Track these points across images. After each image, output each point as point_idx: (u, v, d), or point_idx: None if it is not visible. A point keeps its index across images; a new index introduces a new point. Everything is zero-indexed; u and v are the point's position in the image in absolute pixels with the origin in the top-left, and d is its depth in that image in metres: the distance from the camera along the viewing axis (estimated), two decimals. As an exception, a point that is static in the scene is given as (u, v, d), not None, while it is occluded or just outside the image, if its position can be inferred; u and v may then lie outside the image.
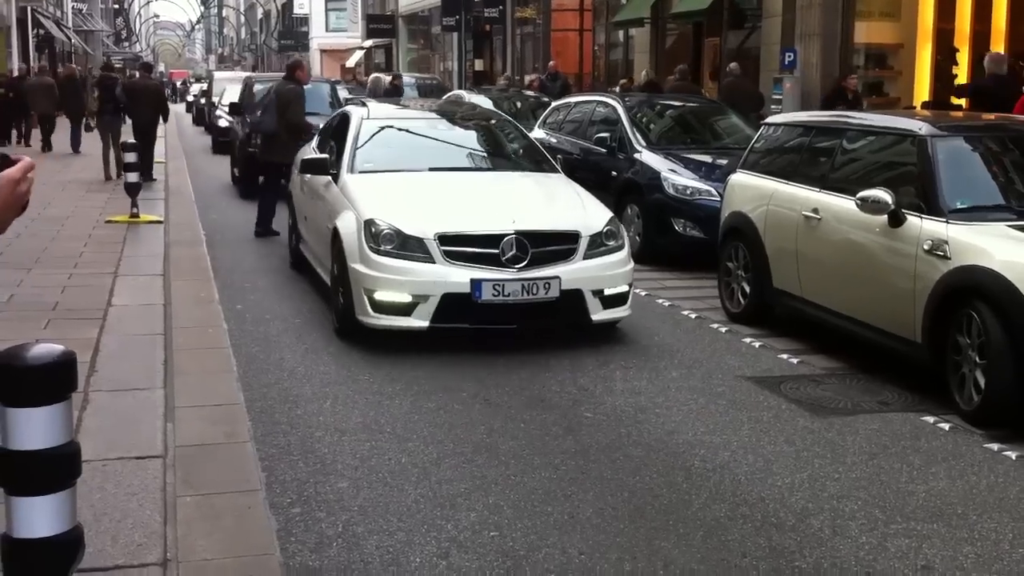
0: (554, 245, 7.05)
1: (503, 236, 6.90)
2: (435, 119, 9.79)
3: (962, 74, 15.84)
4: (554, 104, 14.10)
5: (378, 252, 6.95)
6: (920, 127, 6.75)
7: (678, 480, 4.85)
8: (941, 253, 6.01)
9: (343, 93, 18.51)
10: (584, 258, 7.11)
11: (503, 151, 9.36)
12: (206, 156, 22.53)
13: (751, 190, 8.16)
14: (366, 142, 8.55)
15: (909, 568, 4.03)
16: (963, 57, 15.79)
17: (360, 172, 8.17)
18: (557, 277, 6.91)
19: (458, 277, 6.80)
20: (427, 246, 6.90)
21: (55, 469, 2.77)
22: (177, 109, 37.52)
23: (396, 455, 5.15)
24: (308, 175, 8.91)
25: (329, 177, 8.34)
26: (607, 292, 7.15)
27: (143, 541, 4.00)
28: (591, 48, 27.64)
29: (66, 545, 2.83)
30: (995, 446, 5.37)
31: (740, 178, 8.38)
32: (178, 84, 65.33)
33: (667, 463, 5.07)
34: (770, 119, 8.77)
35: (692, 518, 4.42)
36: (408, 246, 6.93)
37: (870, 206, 6.43)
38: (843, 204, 6.88)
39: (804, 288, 7.36)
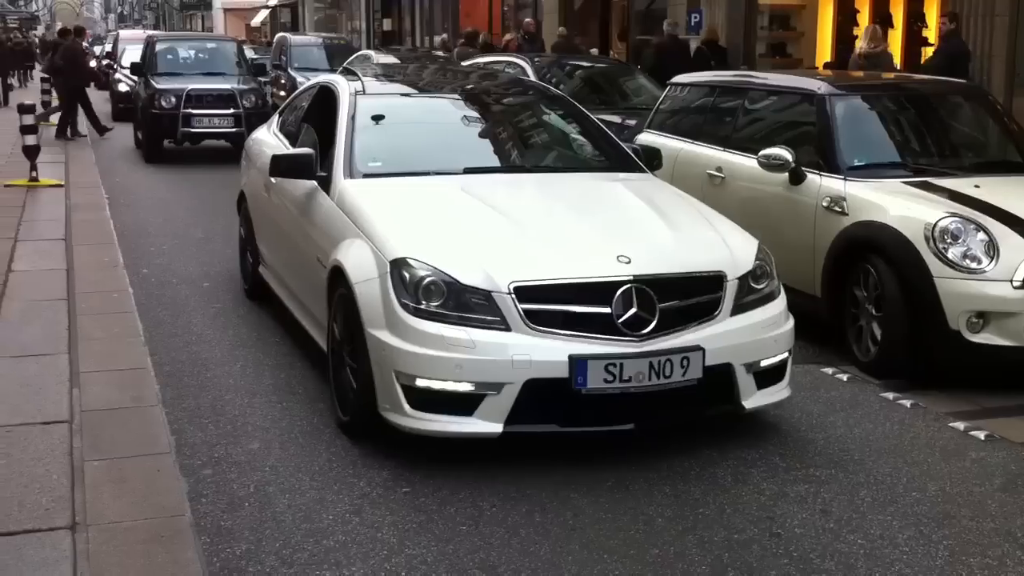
0: (690, 297, 4.63)
1: (616, 285, 4.47)
2: (456, 96, 6.82)
3: (863, 36, 16.17)
4: (464, 63, 14.05)
5: (418, 313, 4.43)
6: (819, 87, 6.92)
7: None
8: (839, 209, 6.19)
9: (249, 53, 18.14)
10: (732, 313, 4.71)
11: (565, 142, 6.61)
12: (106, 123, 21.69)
13: (658, 149, 8.25)
14: (367, 131, 5.89)
15: (808, 512, 4.19)
16: (863, 19, 16.14)
17: (365, 176, 5.54)
18: (699, 348, 4.48)
19: (549, 353, 4.33)
20: (498, 304, 4.40)
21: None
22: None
23: (308, 416, 5.16)
24: (281, 179, 6.11)
25: (314, 183, 5.68)
26: (764, 364, 4.79)
27: (51, 506, 3.97)
28: (500, 8, 27.53)
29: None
30: (890, 395, 5.58)
31: (647, 138, 8.48)
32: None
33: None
34: (676, 79, 8.88)
35: (598, 470, 4.52)
36: (466, 304, 4.43)
37: (771, 164, 6.59)
38: (746, 163, 7.03)
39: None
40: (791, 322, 4.96)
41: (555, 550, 3.83)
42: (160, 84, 15.40)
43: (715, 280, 4.70)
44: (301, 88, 7.79)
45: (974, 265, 5.53)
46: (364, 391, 4.64)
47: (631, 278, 4.48)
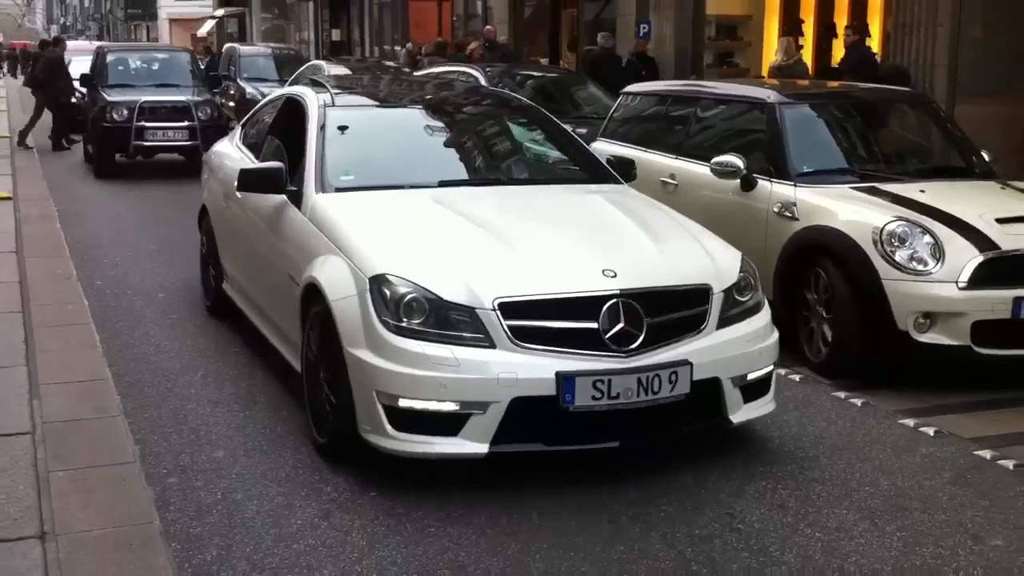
0: (677, 310, 4.57)
1: (603, 300, 4.39)
2: (427, 107, 6.77)
3: (808, 45, 16.48)
4: (417, 74, 14.12)
5: (400, 331, 4.31)
6: (768, 95, 7.08)
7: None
8: (789, 214, 6.34)
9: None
10: (718, 326, 4.65)
11: (539, 153, 6.55)
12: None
13: (611, 157, 8.39)
14: (337, 144, 5.75)
15: (766, 507, 4.31)
16: (808, 28, 16.44)
17: (337, 190, 5.40)
18: (687, 363, 4.41)
19: (536, 371, 4.24)
20: (482, 320, 4.29)
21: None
22: (17, 83, 35.86)
23: (271, 424, 5.19)
24: (248, 193, 5.92)
25: (284, 198, 5.54)
26: (750, 377, 4.75)
27: (19, 516, 3.98)
28: (450, 18, 27.64)
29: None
30: (842, 394, 5.73)
31: (600, 146, 8.60)
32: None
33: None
34: (628, 88, 9.02)
35: (562, 473, 4.59)
36: (449, 321, 4.32)
37: (723, 171, 6.73)
38: (698, 170, 7.17)
39: (663, 251, 7.63)
40: (775, 335, 4.91)
41: (523, 549, 3.91)
42: (112, 96, 14.85)
43: (701, 293, 4.64)
44: (265, 99, 7.56)
45: (921, 267, 5.70)
46: (343, 412, 4.49)
47: (617, 292, 4.40)
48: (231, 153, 7.13)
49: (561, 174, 6.28)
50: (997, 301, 5.63)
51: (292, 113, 6.29)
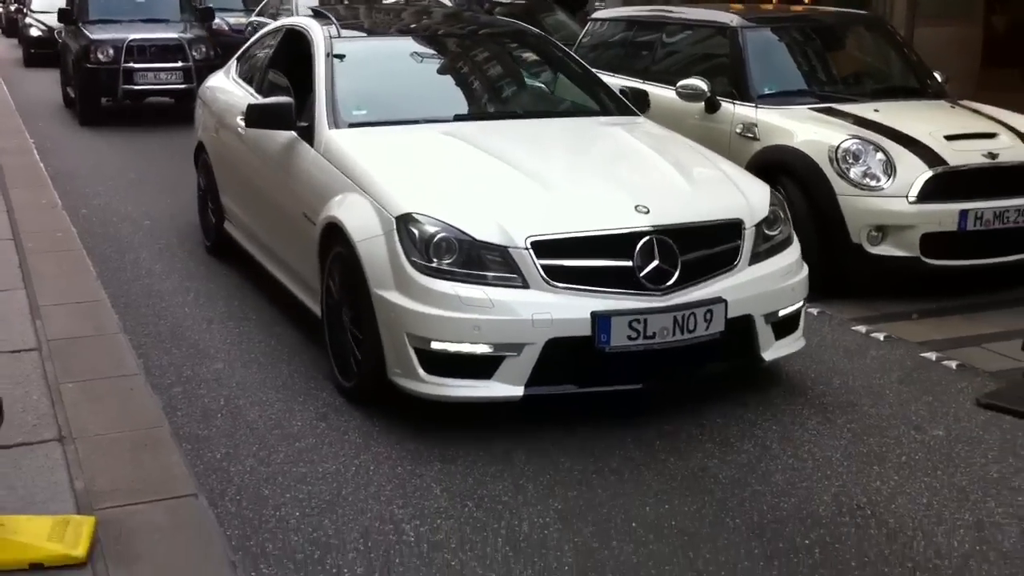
0: (709, 247, 4.47)
1: (637, 237, 4.28)
2: (435, 38, 6.55)
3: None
4: (386, 0, 14.20)
5: (430, 272, 4.19)
6: (731, 19, 7.36)
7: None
8: (751, 135, 6.67)
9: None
10: (750, 262, 4.55)
11: (553, 85, 6.41)
12: (18, 70, 20.55)
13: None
14: (347, 78, 5.56)
15: (728, 405, 4.67)
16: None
17: (351, 126, 5.26)
18: (722, 300, 4.33)
19: (571, 311, 4.14)
20: (515, 260, 4.18)
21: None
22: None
23: (266, 338, 5.50)
24: (252, 129, 5.77)
25: (294, 134, 5.39)
26: (781, 314, 4.66)
27: (36, 422, 4.27)
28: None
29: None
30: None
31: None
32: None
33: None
34: (596, 14, 9.25)
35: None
36: (480, 261, 4.21)
37: (688, 94, 7.02)
38: (665, 93, 7.44)
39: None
40: (805, 269, 4.84)
41: (508, 447, 4.23)
42: (95, 34, 13.27)
43: (733, 228, 4.54)
44: (263, 31, 7.35)
45: (873, 183, 6.04)
46: (371, 356, 4.40)
47: (651, 229, 4.29)
48: (229, 87, 7.00)
49: (577, 106, 6.10)
50: (944, 214, 5.99)
51: (294, 45, 6.17)
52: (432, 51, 6.33)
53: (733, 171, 5.13)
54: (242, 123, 5.95)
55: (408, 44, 6.37)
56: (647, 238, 4.28)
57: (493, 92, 6.21)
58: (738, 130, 6.76)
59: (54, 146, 11.65)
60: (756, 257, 4.58)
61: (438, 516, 3.69)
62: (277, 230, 5.69)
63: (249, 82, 6.69)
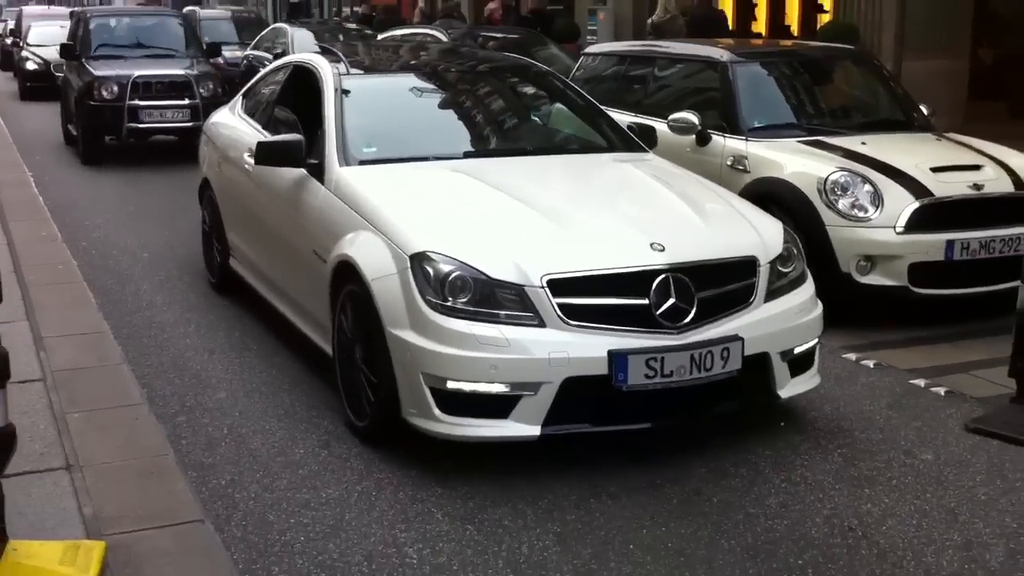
0: (725, 284, 4.46)
1: (653, 275, 4.27)
2: (443, 75, 6.54)
3: (762, 4, 16.93)
4: (380, 37, 14.41)
5: (446, 311, 4.18)
6: (721, 54, 7.52)
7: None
8: (742, 167, 6.81)
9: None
10: (765, 299, 4.55)
11: (561, 121, 6.38)
12: (14, 104, 20.57)
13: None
14: (356, 115, 5.56)
15: (725, 430, 4.77)
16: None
17: (362, 163, 5.29)
18: (738, 338, 4.32)
19: (588, 349, 4.13)
20: (531, 298, 4.17)
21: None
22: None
23: (267, 368, 5.59)
24: (260, 166, 5.72)
25: (303, 172, 5.38)
26: (797, 351, 4.64)
27: (44, 451, 4.35)
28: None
29: (4, 438, 3.26)
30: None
31: (563, 105, 9.02)
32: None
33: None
34: (589, 49, 9.42)
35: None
36: (496, 299, 4.19)
37: (679, 127, 7.17)
38: (656, 126, 7.57)
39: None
40: (820, 307, 4.81)
41: (507, 472, 4.32)
42: (99, 70, 12.71)
43: (748, 265, 4.53)
44: (268, 68, 7.47)
45: (861, 214, 6.17)
46: (385, 395, 4.38)
47: (667, 267, 4.29)
48: (235, 124, 6.99)
49: (586, 142, 6.09)
50: (931, 244, 6.13)
51: (302, 82, 6.19)
52: (440, 88, 6.35)
53: (746, 208, 5.14)
54: (250, 160, 5.98)
55: (416, 81, 6.40)
56: (663, 276, 4.27)
57: (501, 128, 6.18)
58: (729, 162, 6.90)
59: (53, 180, 11.74)
60: (771, 294, 4.57)
61: (440, 539, 3.78)
62: (286, 267, 5.68)
63: (256, 118, 6.71)
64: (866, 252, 6.15)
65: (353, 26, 18.82)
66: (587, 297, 4.22)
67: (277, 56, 15.48)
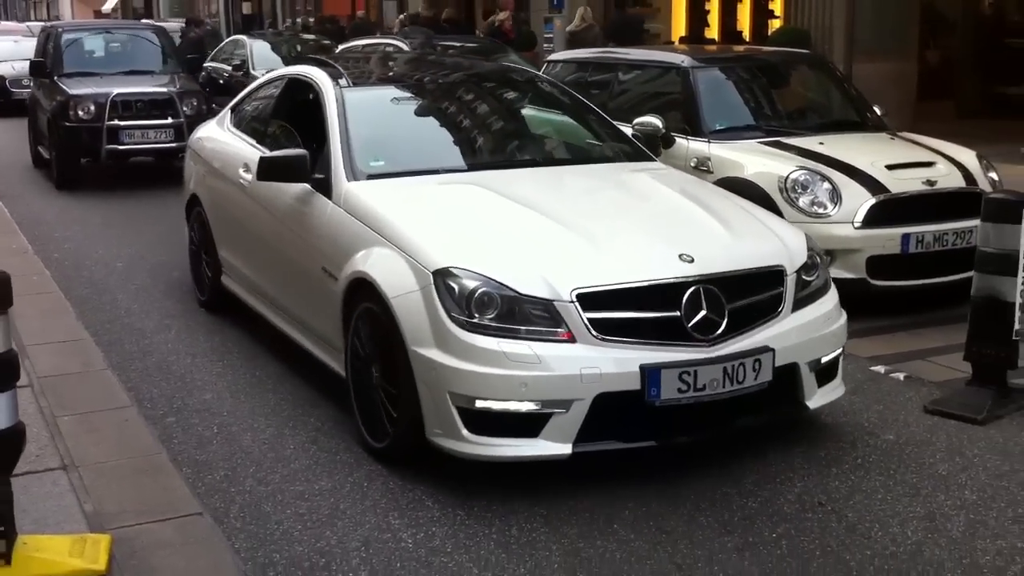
0: (754, 294, 4.38)
1: (684, 286, 4.19)
2: (446, 85, 6.31)
3: (714, 10, 17.27)
4: (341, 47, 14.54)
5: (473, 328, 4.06)
6: (682, 60, 7.77)
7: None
8: (705, 168, 7.04)
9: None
10: (793, 309, 4.48)
11: (568, 131, 6.20)
12: None
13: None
14: (361, 128, 5.38)
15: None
16: (714, -6, 17.19)
17: (371, 177, 5.13)
18: (769, 349, 4.25)
19: (619, 365, 4.04)
20: (560, 313, 4.07)
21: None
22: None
23: (249, 370, 5.72)
24: (258, 182, 5.61)
25: (307, 186, 5.23)
26: (824, 361, 4.60)
27: (40, 452, 4.46)
28: (363, -9, 27.85)
29: (15, 435, 3.39)
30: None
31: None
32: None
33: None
34: (552, 56, 9.64)
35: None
36: (524, 315, 4.08)
37: (644, 131, 7.37)
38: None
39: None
40: (844, 316, 4.78)
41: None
42: (74, 88, 11.86)
43: (776, 275, 4.46)
44: (260, 80, 7.25)
45: (821, 211, 6.43)
46: (407, 415, 4.25)
47: (698, 278, 4.20)
48: (225, 139, 6.78)
49: (595, 152, 5.95)
50: (888, 238, 6.39)
51: (299, 95, 6.08)
52: (444, 99, 6.17)
53: (766, 216, 5.08)
54: (246, 175, 5.94)
55: (418, 92, 6.17)
56: (694, 287, 4.18)
57: (509, 139, 5.99)
58: (692, 164, 7.13)
59: (21, 195, 11.68)
60: (798, 303, 4.51)
61: (432, 524, 3.95)
62: (290, 285, 5.50)
63: (249, 133, 6.53)
64: (826, 247, 6.27)
65: (311, 37, 18.90)
66: (617, 311, 4.11)
67: (236, 68, 15.65)
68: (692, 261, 4.28)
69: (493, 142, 5.91)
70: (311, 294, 5.13)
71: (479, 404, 4.02)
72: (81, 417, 4.89)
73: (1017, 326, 4.97)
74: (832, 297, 4.75)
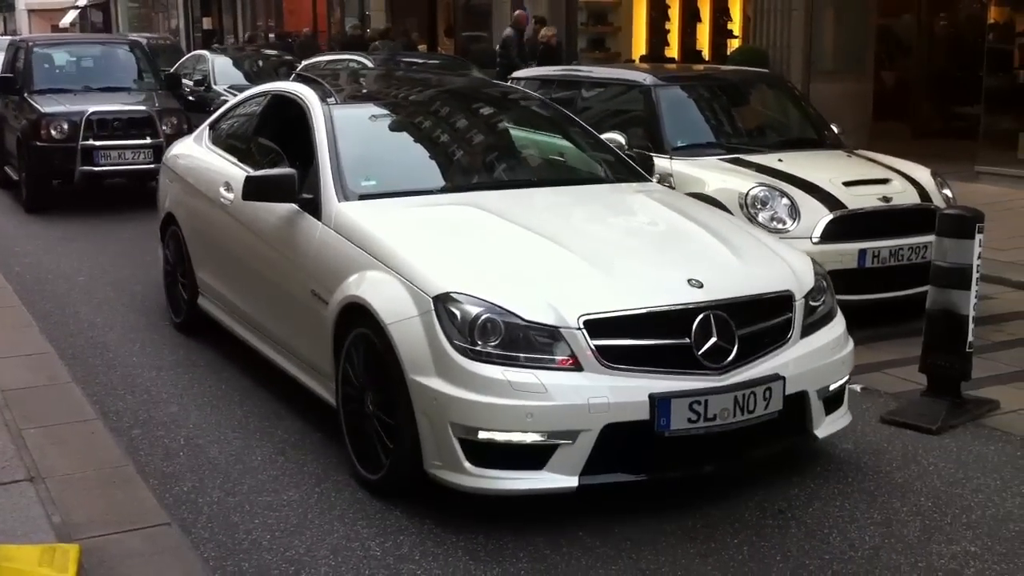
0: (763, 321, 4.24)
1: (693, 313, 4.04)
2: (436, 103, 6.12)
3: (674, 30, 17.50)
4: (304, 63, 14.54)
5: (474, 355, 3.89)
6: (644, 78, 7.90)
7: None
8: (667, 184, 7.14)
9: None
10: (801, 335, 4.35)
11: (563, 151, 6.04)
12: None
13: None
14: (350, 146, 5.18)
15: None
16: (674, 13, 17.43)
17: (362, 197, 4.92)
18: (779, 377, 4.13)
19: (628, 394, 3.89)
20: (567, 341, 3.91)
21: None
22: None
23: (215, 383, 5.74)
24: (241, 201, 5.38)
25: (294, 207, 5.04)
26: (831, 388, 4.47)
27: (5, 464, 4.45)
28: (325, 5, 27.88)
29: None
30: (717, 339, 6.53)
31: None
32: None
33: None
34: (516, 74, 9.73)
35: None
36: (529, 342, 3.92)
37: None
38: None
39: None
40: (851, 343, 4.66)
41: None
42: (46, 106, 11.23)
43: (785, 301, 4.32)
44: (241, 96, 6.98)
45: (780, 226, 6.56)
46: (405, 447, 4.07)
47: (708, 304, 4.06)
48: (204, 156, 6.54)
49: (591, 172, 5.78)
50: (845, 253, 6.53)
51: (284, 113, 5.83)
52: (435, 117, 5.96)
53: (770, 240, 4.97)
54: (227, 194, 5.77)
55: (409, 110, 6.03)
56: (704, 314, 4.03)
57: (503, 159, 5.76)
58: (655, 180, 7.22)
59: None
60: (806, 330, 4.37)
61: (400, 533, 3.99)
62: (274, 308, 5.30)
63: (229, 151, 6.30)
64: (785, 262, 6.51)
65: (273, 52, 18.90)
66: (625, 338, 3.95)
67: (198, 83, 15.57)
68: (701, 286, 4.14)
69: (487, 162, 5.67)
70: (298, 318, 4.94)
71: (482, 435, 3.86)
72: (47, 429, 4.88)
73: (971, 338, 5.11)
74: (839, 323, 4.63)
